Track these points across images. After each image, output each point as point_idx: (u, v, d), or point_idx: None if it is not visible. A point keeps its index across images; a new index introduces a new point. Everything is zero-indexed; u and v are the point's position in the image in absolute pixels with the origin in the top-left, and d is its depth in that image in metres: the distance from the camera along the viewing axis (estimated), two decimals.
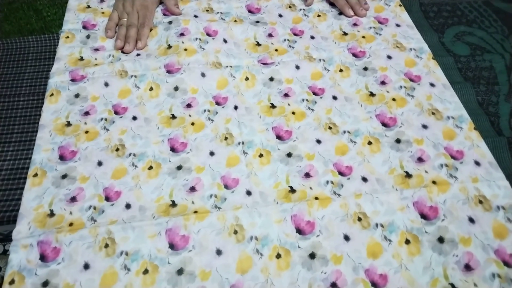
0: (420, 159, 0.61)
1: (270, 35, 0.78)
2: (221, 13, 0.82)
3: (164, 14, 0.82)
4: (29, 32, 1.73)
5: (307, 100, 0.69)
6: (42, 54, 1.68)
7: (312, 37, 0.78)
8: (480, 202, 0.57)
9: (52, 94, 0.69)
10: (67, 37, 0.78)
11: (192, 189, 0.59)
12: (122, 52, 0.76)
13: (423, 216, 0.56)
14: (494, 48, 1.67)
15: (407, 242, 0.54)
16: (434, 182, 0.59)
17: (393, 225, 0.55)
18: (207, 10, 0.83)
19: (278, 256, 0.53)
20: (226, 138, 0.64)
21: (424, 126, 0.65)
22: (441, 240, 0.54)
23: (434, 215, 0.56)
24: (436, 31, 1.73)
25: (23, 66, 1.64)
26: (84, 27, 0.80)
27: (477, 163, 0.61)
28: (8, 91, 1.57)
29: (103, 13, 0.83)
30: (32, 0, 1.84)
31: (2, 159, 1.38)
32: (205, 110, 0.67)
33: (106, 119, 0.66)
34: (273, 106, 0.68)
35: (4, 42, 1.70)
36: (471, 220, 0.56)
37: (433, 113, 0.66)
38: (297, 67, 0.73)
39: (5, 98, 1.54)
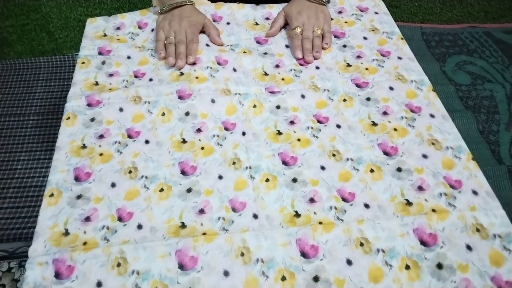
0: (420, 188, 0.64)
1: (277, 66, 0.81)
2: (231, 45, 0.86)
3: None
4: (41, 53, 1.78)
5: (311, 127, 0.72)
6: (53, 74, 1.73)
7: (317, 68, 0.81)
8: (478, 230, 0.59)
9: (68, 118, 0.72)
10: (83, 62, 0.82)
11: (201, 211, 0.61)
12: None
13: (423, 243, 0.58)
14: (495, 78, 1.71)
15: (407, 267, 0.56)
16: (433, 210, 0.61)
17: (394, 251, 0.58)
18: None
19: (283, 278, 0.55)
20: (234, 163, 0.67)
21: (424, 156, 0.68)
22: (439, 266, 0.56)
23: (433, 242, 0.58)
24: (437, 60, 1.77)
25: (33, 86, 1.69)
26: (100, 53, 0.84)
27: (474, 193, 0.63)
28: (18, 110, 1.61)
29: (118, 39, 0.87)
30: (45, 22, 1.90)
31: (10, 177, 1.41)
32: (214, 135, 0.70)
33: (120, 143, 0.69)
34: (279, 133, 0.71)
35: (16, 62, 1.75)
36: (469, 247, 0.58)
37: (432, 143, 0.69)
38: (303, 96, 0.76)
39: (15, 117, 1.58)
